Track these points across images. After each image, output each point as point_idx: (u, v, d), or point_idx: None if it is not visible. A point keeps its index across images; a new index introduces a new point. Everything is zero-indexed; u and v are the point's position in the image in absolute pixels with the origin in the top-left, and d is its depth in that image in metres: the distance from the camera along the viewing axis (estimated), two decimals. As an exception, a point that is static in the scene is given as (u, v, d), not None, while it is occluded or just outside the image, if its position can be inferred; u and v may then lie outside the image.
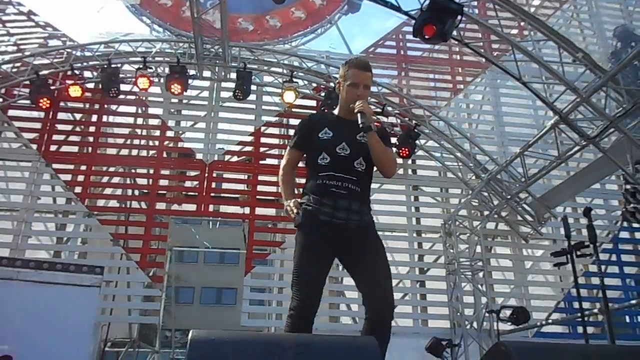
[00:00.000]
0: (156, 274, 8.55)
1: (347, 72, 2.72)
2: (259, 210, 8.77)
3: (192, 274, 21.36)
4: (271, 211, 8.89)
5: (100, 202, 8.93)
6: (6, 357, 5.21)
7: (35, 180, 8.28)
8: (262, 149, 9.21)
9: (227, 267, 22.22)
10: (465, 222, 8.64)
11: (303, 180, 2.76)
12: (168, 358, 13.43)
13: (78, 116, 9.14)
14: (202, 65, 8.38)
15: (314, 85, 8.85)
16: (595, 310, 7.43)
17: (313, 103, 9.09)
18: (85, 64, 8.45)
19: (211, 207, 8.81)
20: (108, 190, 9.30)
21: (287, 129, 9.15)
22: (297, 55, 9.09)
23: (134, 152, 9.27)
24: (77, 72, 8.28)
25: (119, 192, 9.26)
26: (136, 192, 9.37)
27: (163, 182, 8.89)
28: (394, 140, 8.35)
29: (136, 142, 9.21)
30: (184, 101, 9.42)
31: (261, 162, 9.04)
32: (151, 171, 8.74)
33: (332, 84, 7.95)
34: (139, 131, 9.21)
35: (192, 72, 8.39)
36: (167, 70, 8.21)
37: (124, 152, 9.30)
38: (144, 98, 8.99)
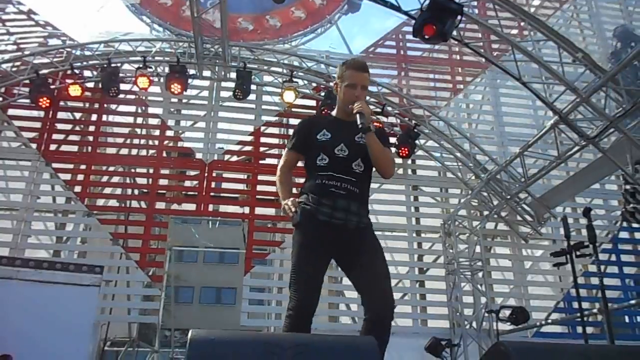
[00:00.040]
0: (156, 273, 8.55)
1: (344, 73, 2.71)
2: (259, 210, 8.77)
3: (192, 273, 21.35)
4: (271, 211, 8.89)
5: (100, 202, 8.93)
6: (6, 357, 5.21)
7: (35, 179, 8.27)
8: (261, 149, 9.21)
9: (227, 267, 22.20)
10: (464, 222, 8.64)
11: (301, 180, 2.76)
12: (167, 357, 13.42)
13: (78, 115, 9.14)
14: (202, 65, 8.38)
15: (314, 85, 8.85)
16: (595, 310, 7.43)
17: (313, 103, 9.09)
18: (85, 63, 8.45)
19: (211, 207, 8.81)
20: (108, 190, 9.30)
21: (287, 129, 9.15)
22: (297, 55, 9.09)
23: (134, 151, 9.27)
24: (77, 71, 8.28)
25: (118, 191, 9.26)
26: (136, 192, 9.37)
27: (163, 182, 8.89)
28: (393, 140, 8.36)
29: (136, 141, 9.21)
30: (184, 101, 9.42)
31: (261, 161, 9.04)
32: (151, 171, 8.74)
33: (332, 84, 7.94)
34: (138, 130, 9.21)
35: (192, 71, 8.39)
36: (167, 69, 8.21)
37: (124, 151, 9.29)
38: (143, 97, 8.99)
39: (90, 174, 8.58)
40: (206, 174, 8.66)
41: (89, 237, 8.62)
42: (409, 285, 8.57)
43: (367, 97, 8.46)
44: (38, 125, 8.60)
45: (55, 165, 8.40)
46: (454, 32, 5.25)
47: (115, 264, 8.44)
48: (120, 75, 8.18)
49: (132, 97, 8.95)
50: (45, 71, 8.03)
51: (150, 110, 9.14)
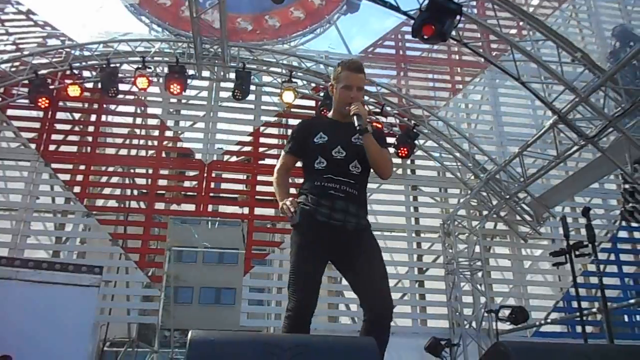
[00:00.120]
0: (155, 273, 8.55)
1: (339, 74, 2.71)
2: (258, 211, 8.76)
3: (191, 273, 21.34)
4: (270, 211, 8.88)
5: (99, 202, 8.92)
6: (6, 357, 5.21)
7: (34, 179, 8.27)
8: (261, 149, 9.20)
9: (226, 267, 22.21)
10: (464, 222, 8.64)
11: (299, 181, 2.76)
12: (167, 358, 13.41)
13: (77, 116, 9.13)
14: (201, 65, 8.38)
15: (313, 85, 8.85)
16: (594, 310, 7.44)
17: (312, 103, 9.09)
18: (84, 63, 8.45)
19: (210, 207, 8.80)
20: (107, 190, 9.30)
21: (286, 129, 9.15)
22: (296, 55, 9.09)
23: (133, 152, 9.27)
24: (76, 71, 8.28)
25: (118, 192, 9.26)
26: (135, 192, 9.36)
27: (162, 182, 8.88)
28: (393, 140, 8.37)
29: (135, 142, 9.21)
30: (183, 101, 9.41)
31: (260, 162, 9.04)
32: (150, 171, 8.73)
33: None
34: (137, 131, 9.21)
35: (191, 72, 8.38)
36: (166, 70, 8.20)
37: (123, 151, 9.29)
38: (143, 98, 8.98)
39: (90, 174, 8.58)
40: (205, 175, 8.65)
41: (89, 237, 8.61)
42: (409, 285, 8.57)
43: (366, 98, 8.52)
44: (37, 125, 8.59)
45: (54, 165, 8.40)
46: (453, 32, 5.25)
47: (115, 265, 8.44)
48: (120, 75, 8.17)
49: (131, 97, 8.94)
50: (44, 71, 8.03)
51: (150, 110, 9.14)
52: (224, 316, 19.61)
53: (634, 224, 7.83)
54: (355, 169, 2.60)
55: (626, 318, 8.81)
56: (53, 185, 8.50)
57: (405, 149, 8.34)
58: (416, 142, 8.49)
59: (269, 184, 8.59)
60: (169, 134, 9.01)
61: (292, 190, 2.81)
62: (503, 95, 9.91)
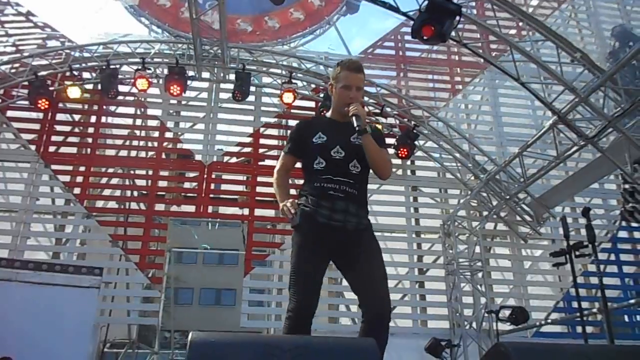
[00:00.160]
0: (155, 275, 8.54)
1: (339, 74, 2.70)
2: (258, 212, 8.76)
3: (192, 275, 21.36)
4: (270, 212, 8.89)
5: (99, 203, 8.91)
6: (6, 359, 5.20)
7: (34, 181, 8.27)
8: (261, 150, 9.20)
9: (227, 268, 22.22)
10: (464, 223, 8.64)
11: (299, 182, 2.76)
12: (167, 359, 13.42)
13: (77, 117, 9.13)
14: (200, 67, 8.38)
15: (313, 86, 8.86)
16: (594, 310, 7.45)
17: (312, 104, 9.09)
18: (83, 64, 8.43)
19: (210, 208, 8.80)
20: (107, 192, 9.30)
21: (286, 130, 9.15)
22: (295, 56, 9.09)
23: (133, 153, 9.26)
24: (75, 73, 8.28)
25: (117, 193, 9.27)
26: (135, 193, 9.37)
27: (162, 183, 8.89)
28: (392, 141, 8.37)
29: (135, 143, 9.21)
30: (183, 102, 9.42)
31: (260, 163, 9.04)
32: (150, 172, 8.73)
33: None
34: (137, 132, 9.21)
35: (191, 73, 8.38)
36: (165, 71, 8.20)
37: (123, 153, 9.29)
38: (142, 99, 8.98)
39: (90, 175, 8.58)
40: (205, 176, 8.65)
41: (89, 238, 8.61)
42: (409, 286, 8.57)
43: (366, 98, 8.53)
44: (37, 126, 8.60)
45: (54, 166, 8.40)
46: (453, 33, 5.25)
47: (115, 266, 8.45)
48: (119, 76, 8.16)
49: (131, 98, 8.94)
50: (44, 73, 8.03)
51: (149, 111, 9.14)
52: (224, 317, 19.61)
53: (634, 224, 7.84)
54: (355, 168, 2.60)
55: (626, 318, 8.81)
56: (53, 186, 8.51)
57: (405, 150, 8.35)
58: (416, 142, 8.49)
59: (269, 185, 8.57)
60: (168, 135, 9.02)
61: (293, 191, 2.82)
62: (503, 96, 9.92)
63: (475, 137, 9.34)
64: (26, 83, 7.98)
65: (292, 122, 8.98)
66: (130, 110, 9.15)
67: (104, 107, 8.96)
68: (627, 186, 5.34)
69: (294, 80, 8.31)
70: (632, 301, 8.25)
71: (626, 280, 8.98)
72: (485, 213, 8.61)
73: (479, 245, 8.32)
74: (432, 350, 6.62)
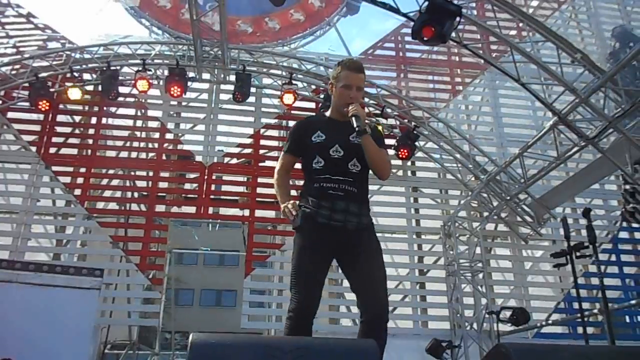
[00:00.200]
0: (156, 276, 8.55)
1: (339, 73, 2.70)
2: (259, 213, 8.77)
3: (192, 276, 21.35)
4: (271, 213, 8.89)
5: (100, 205, 8.91)
6: (6, 360, 5.20)
7: (35, 182, 8.27)
8: (261, 151, 9.20)
9: (227, 269, 22.23)
10: (464, 224, 8.64)
11: (300, 182, 2.76)
12: (168, 360, 13.41)
13: (77, 118, 9.14)
14: (201, 68, 8.39)
15: (313, 87, 8.86)
16: (595, 311, 7.42)
17: (312, 105, 9.09)
18: (84, 66, 8.45)
19: (211, 210, 8.80)
20: (107, 193, 9.30)
21: (286, 131, 9.14)
22: (296, 58, 9.09)
23: (134, 154, 9.25)
24: (76, 74, 8.29)
25: (118, 194, 9.27)
26: (136, 195, 9.37)
27: (162, 185, 8.89)
28: (393, 142, 8.37)
29: (135, 144, 9.21)
30: (183, 103, 9.42)
31: (260, 164, 9.04)
32: (151, 173, 8.73)
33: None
34: (138, 133, 9.22)
35: (191, 74, 8.39)
36: (166, 72, 8.21)
37: (124, 154, 9.28)
38: (143, 100, 8.99)
39: (90, 177, 8.58)
40: (206, 177, 8.66)
41: (89, 240, 8.61)
42: (410, 286, 8.56)
43: (366, 99, 8.53)
44: (38, 128, 8.61)
45: (55, 168, 8.40)
46: (453, 34, 5.25)
47: (116, 267, 8.45)
48: (120, 78, 8.18)
49: (132, 100, 8.94)
50: (44, 74, 8.04)
51: (150, 113, 9.14)
52: (224, 318, 19.60)
53: (634, 225, 7.84)
54: (355, 167, 2.60)
55: (627, 319, 8.80)
56: (53, 187, 8.52)
57: (405, 151, 8.35)
58: (416, 143, 8.49)
59: (270, 186, 8.61)
60: (169, 136, 9.02)
61: (293, 192, 2.82)
62: (503, 97, 9.92)
63: (476, 138, 9.34)
64: (27, 84, 8.00)
65: (293, 123, 8.98)
66: (131, 111, 9.15)
67: (105, 108, 8.97)
68: (627, 187, 5.33)
69: (294, 81, 8.32)
70: (633, 302, 8.24)
71: (627, 281, 8.97)
72: (485, 214, 8.61)
73: (480, 246, 8.31)
74: (433, 351, 6.62)
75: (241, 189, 9.39)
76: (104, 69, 7.98)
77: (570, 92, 5.91)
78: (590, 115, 6.01)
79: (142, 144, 9.24)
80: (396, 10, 5.73)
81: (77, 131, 9.04)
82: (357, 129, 2.53)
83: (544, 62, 5.95)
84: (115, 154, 9.22)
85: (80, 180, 8.50)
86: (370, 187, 2.75)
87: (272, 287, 9.33)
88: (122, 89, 8.34)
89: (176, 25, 9.49)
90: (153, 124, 9.06)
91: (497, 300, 8.63)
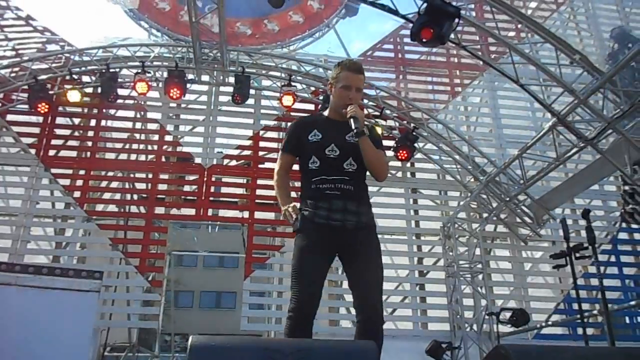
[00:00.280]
0: (155, 278, 8.52)
1: (339, 74, 2.71)
2: (258, 214, 8.77)
3: (192, 278, 21.35)
4: (270, 215, 8.89)
5: (99, 207, 8.92)
6: (5, 363, 5.19)
7: (34, 185, 8.27)
8: (261, 153, 9.20)
9: (227, 271, 22.21)
10: (464, 225, 8.64)
11: (298, 184, 2.77)
12: (167, 362, 13.39)
13: (77, 121, 9.13)
14: (200, 70, 8.39)
15: (312, 89, 8.87)
16: (595, 312, 7.42)
17: (311, 107, 9.08)
18: (83, 68, 8.45)
19: (210, 211, 8.79)
20: (107, 195, 9.29)
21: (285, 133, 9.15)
22: (295, 59, 9.10)
23: (133, 156, 9.25)
24: (75, 76, 8.26)
25: (117, 196, 9.26)
26: (135, 197, 9.35)
27: (162, 187, 8.88)
28: (392, 143, 8.37)
29: (135, 146, 9.21)
30: (183, 105, 9.42)
31: (260, 166, 9.04)
32: (150, 175, 8.74)
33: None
34: (137, 135, 9.21)
35: (190, 76, 8.39)
36: (165, 74, 8.20)
37: (123, 156, 9.27)
38: (142, 102, 8.99)
39: (90, 179, 8.58)
40: (205, 179, 8.66)
41: (89, 242, 8.60)
42: (409, 288, 8.55)
43: (365, 101, 8.54)
44: (37, 130, 8.61)
45: (54, 170, 8.40)
46: (452, 35, 5.26)
47: (115, 270, 8.43)
48: (119, 80, 8.19)
49: (131, 102, 8.96)
50: (43, 77, 8.04)
51: (149, 115, 9.14)
52: (224, 320, 19.60)
53: (634, 226, 7.85)
54: (351, 166, 2.61)
55: (627, 320, 8.81)
56: (53, 190, 8.51)
57: (404, 152, 8.35)
58: (416, 145, 8.49)
59: (269, 187, 8.63)
60: (168, 138, 9.02)
61: (293, 194, 2.82)
62: (502, 98, 9.93)
63: (475, 139, 9.35)
64: (26, 87, 7.99)
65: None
66: (130, 113, 9.16)
67: (104, 110, 8.97)
68: (626, 188, 5.33)
69: (293, 83, 8.31)
70: (632, 303, 8.22)
71: (627, 282, 8.98)
72: (485, 215, 8.62)
73: (479, 247, 8.32)
74: (432, 352, 6.62)
75: (241, 190, 9.39)
76: (103, 71, 7.98)
77: (569, 93, 5.92)
78: (589, 116, 6.02)
79: (142, 146, 9.24)
80: (395, 12, 5.74)
81: (76, 133, 9.04)
82: (355, 130, 2.53)
83: (543, 63, 5.96)
84: (114, 156, 9.21)
85: (79, 182, 8.49)
86: (370, 189, 2.75)
87: (271, 289, 9.35)
88: (122, 91, 8.35)
89: (175, 27, 9.49)
90: (152, 126, 9.06)
91: (496, 301, 8.62)
